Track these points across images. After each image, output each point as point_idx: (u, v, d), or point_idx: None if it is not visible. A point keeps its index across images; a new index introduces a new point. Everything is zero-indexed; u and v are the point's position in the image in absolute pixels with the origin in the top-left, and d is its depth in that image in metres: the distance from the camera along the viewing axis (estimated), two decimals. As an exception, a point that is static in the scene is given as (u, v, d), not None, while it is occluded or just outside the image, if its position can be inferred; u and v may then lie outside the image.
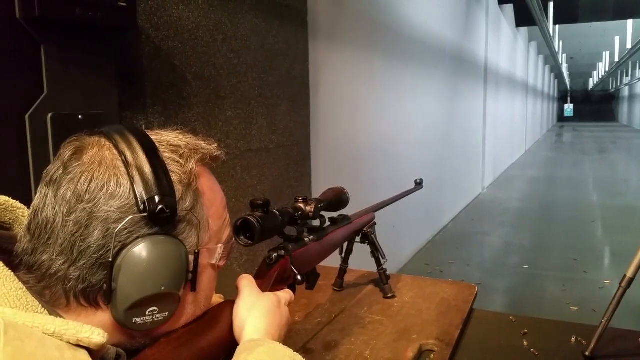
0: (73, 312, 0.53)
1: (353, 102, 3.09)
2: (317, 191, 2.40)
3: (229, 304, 0.69)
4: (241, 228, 0.72)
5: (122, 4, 1.16)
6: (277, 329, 0.67)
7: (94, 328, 0.50)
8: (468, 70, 6.54)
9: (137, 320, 0.53)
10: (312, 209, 0.85)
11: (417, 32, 4.35)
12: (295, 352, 0.63)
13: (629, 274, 0.92)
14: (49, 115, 1.12)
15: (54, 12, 1.04)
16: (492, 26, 8.10)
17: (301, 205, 0.85)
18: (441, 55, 5.22)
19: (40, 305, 0.51)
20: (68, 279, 0.52)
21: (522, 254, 4.84)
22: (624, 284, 0.93)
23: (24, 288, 0.51)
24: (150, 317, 0.54)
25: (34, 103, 1.10)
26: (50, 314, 0.51)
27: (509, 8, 10.03)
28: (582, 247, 4.98)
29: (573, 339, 0.98)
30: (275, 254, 0.77)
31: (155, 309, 0.54)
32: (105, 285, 0.52)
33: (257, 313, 0.66)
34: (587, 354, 0.92)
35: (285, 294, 0.74)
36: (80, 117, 1.17)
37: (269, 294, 0.70)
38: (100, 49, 1.22)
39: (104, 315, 0.53)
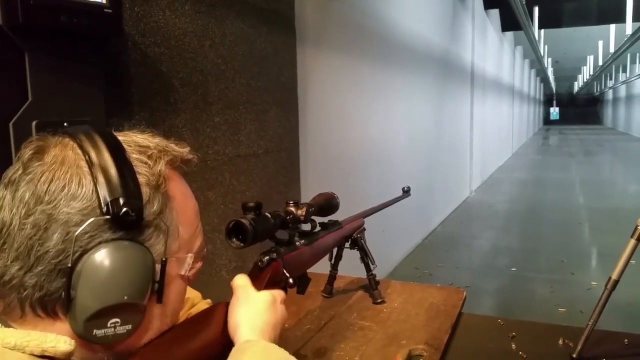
0: (28, 324, 0.50)
1: (341, 107, 3.10)
2: (306, 197, 2.40)
3: (222, 305, 0.69)
4: (233, 230, 0.72)
5: (107, 10, 1.15)
6: (272, 327, 0.66)
7: (59, 336, 0.47)
8: (455, 75, 6.60)
9: (98, 332, 0.49)
10: (304, 213, 0.85)
11: (405, 38, 4.38)
12: (290, 355, 0.62)
13: (614, 276, 0.93)
14: (34, 122, 1.10)
15: (38, 19, 1.03)
16: (478, 31, 8.19)
17: (292, 209, 0.85)
18: (428, 60, 5.27)
19: None
20: (24, 287, 0.48)
21: (510, 256, 4.88)
22: (609, 286, 0.94)
23: None
24: (112, 329, 0.50)
25: (18, 110, 1.08)
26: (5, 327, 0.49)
27: (495, 13, 10.15)
28: (569, 249, 5.03)
29: (560, 341, 0.99)
30: (267, 257, 0.77)
31: (118, 320, 0.50)
32: (63, 293, 0.48)
33: (252, 311, 0.65)
34: (574, 355, 0.93)
35: (279, 292, 0.73)
36: (65, 124, 1.15)
37: (263, 292, 0.70)
38: (86, 56, 1.21)
39: (62, 327, 0.50)
